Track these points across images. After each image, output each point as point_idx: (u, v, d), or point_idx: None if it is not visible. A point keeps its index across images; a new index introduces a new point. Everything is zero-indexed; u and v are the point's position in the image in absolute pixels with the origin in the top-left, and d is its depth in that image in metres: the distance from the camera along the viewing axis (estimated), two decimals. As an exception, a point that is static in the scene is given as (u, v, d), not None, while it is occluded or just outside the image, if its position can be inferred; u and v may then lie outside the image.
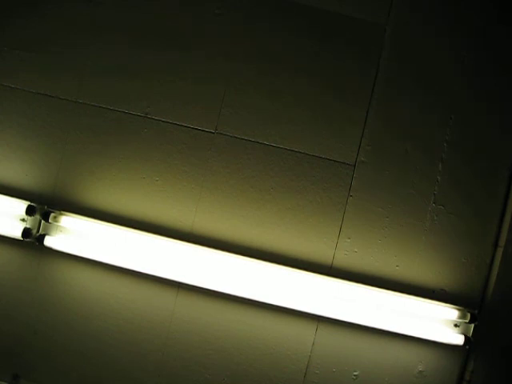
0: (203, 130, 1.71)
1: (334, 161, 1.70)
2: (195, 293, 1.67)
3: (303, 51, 1.71)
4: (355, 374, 1.68)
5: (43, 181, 1.71)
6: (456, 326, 1.65)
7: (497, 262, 1.67)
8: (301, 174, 1.70)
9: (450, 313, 1.62)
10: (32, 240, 1.65)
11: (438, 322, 1.64)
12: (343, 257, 1.68)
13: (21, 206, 1.63)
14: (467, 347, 1.64)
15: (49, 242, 1.64)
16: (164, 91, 1.71)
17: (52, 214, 1.63)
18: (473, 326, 1.64)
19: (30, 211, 1.63)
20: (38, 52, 1.72)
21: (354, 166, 1.70)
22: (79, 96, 1.72)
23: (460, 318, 1.62)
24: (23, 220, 1.65)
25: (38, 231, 1.66)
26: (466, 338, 1.62)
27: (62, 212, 1.65)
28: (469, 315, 1.62)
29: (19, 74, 1.72)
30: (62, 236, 1.66)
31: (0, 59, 1.72)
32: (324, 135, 1.70)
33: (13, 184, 1.70)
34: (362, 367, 1.68)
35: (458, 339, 1.62)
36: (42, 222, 1.65)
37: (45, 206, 1.66)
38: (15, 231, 1.63)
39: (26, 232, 1.63)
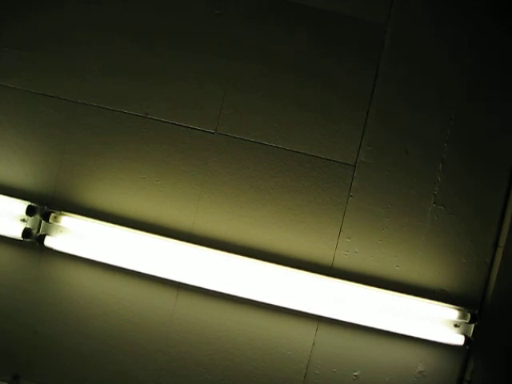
0: (203, 130, 1.71)
1: (334, 161, 1.70)
2: (195, 293, 1.67)
3: (303, 51, 1.71)
4: (355, 374, 1.68)
5: (43, 181, 1.71)
6: (456, 326, 1.65)
7: (497, 262, 1.67)
8: (301, 174, 1.70)
9: (450, 313, 1.62)
10: (32, 240, 1.65)
11: (438, 322, 1.64)
12: (343, 257, 1.68)
13: (21, 206, 1.63)
14: (467, 347, 1.64)
15: (49, 242, 1.63)
16: (164, 91, 1.71)
17: (52, 214, 1.63)
18: (473, 326, 1.64)
19: (30, 211, 1.63)
20: (38, 52, 1.72)
21: (354, 166, 1.70)
22: (79, 96, 1.72)
23: (460, 318, 1.62)
24: (23, 220, 1.65)
25: (38, 231, 1.66)
26: (467, 338, 1.62)
27: (62, 212, 1.65)
28: (469, 315, 1.62)
29: (19, 74, 1.72)
30: (62, 236, 1.66)
31: (0, 59, 1.72)
32: (324, 135, 1.70)
33: (13, 184, 1.70)
34: (363, 367, 1.68)
35: (458, 339, 1.62)
36: (42, 222, 1.65)
37: (45, 206, 1.66)
38: (15, 231, 1.63)
39: (26, 232, 1.63)
